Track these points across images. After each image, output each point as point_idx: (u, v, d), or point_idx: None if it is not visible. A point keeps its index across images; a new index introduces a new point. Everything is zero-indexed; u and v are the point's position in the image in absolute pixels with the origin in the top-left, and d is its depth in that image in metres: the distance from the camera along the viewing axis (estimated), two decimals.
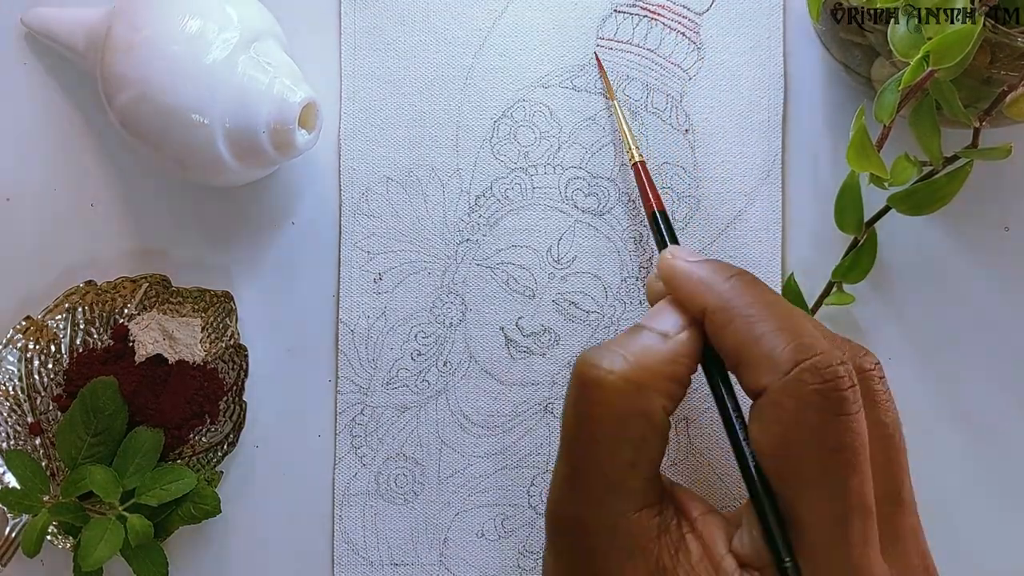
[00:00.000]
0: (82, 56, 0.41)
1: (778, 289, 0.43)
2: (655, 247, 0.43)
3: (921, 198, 0.38)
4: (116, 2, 0.40)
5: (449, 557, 0.43)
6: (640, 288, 0.43)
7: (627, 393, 0.31)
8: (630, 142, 0.41)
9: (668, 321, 0.33)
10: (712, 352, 0.33)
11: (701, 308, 0.32)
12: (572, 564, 0.32)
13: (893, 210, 0.39)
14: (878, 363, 0.33)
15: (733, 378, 0.33)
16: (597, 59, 0.43)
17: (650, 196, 0.39)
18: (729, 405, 0.33)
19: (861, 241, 0.40)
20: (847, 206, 0.40)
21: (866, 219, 0.40)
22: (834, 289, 0.41)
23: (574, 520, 0.32)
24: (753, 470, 0.31)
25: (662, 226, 0.38)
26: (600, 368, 0.31)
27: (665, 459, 0.42)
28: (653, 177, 0.43)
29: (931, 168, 0.37)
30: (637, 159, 0.40)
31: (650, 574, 0.31)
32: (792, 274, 0.42)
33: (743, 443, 0.32)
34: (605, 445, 0.31)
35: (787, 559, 0.30)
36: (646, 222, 0.43)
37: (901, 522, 0.32)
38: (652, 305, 0.36)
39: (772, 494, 0.31)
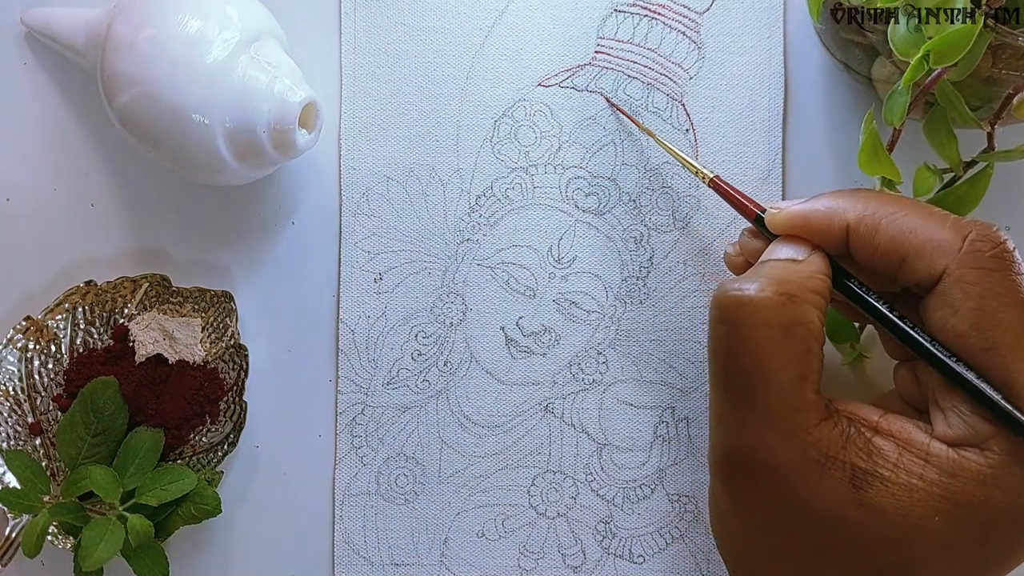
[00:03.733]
0: (82, 55, 0.41)
1: None
2: (655, 247, 0.43)
3: (949, 205, 0.38)
4: (116, 1, 0.40)
5: (449, 557, 0.43)
6: (640, 287, 0.43)
7: (783, 305, 0.32)
8: (693, 163, 0.39)
9: (791, 250, 0.34)
10: (844, 271, 0.34)
11: (843, 227, 0.33)
12: (763, 500, 0.32)
13: None
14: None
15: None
16: (608, 101, 0.43)
17: (746, 203, 0.37)
18: (884, 307, 0.33)
19: None
20: None
21: None
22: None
23: (756, 449, 0.32)
24: (939, 352, 0.32)
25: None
26: (748, 290, 0.32)
27: (665, 459, 0.43)
28: (651, 178, 0.43)
29: (953, 175, 0.37)
30: (711, 176, 0.38)
31: (849, 483, 0.31)
32: None
33: (913, 332, 0.32)
34: (772, 362, 0.31)
35: None
36: (648, 222, 0.43)
37: None
38: (737, 274, 0.36)
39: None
